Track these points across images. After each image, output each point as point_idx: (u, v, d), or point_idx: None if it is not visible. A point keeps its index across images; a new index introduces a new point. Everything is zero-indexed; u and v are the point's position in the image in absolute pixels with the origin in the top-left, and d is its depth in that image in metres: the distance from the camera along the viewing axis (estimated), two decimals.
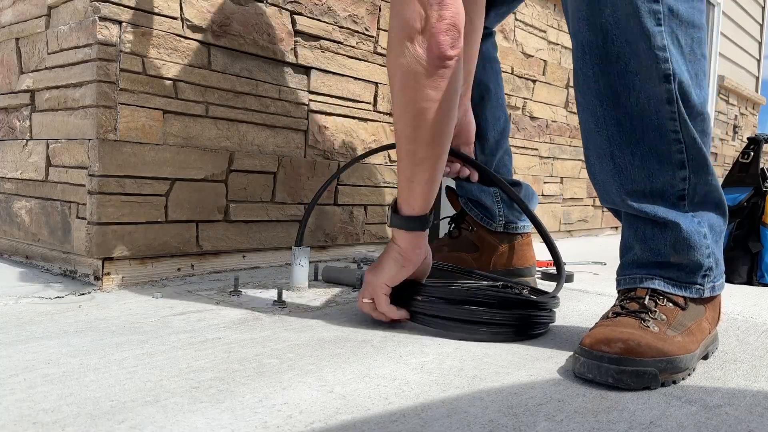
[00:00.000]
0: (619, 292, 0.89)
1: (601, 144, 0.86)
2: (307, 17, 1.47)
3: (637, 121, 0.83)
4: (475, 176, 1.20)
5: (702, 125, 0.84)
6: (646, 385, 0.72)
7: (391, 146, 1.15)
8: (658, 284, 0.84)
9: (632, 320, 0.79)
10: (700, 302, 0.86)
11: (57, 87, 1.22)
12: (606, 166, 0.87)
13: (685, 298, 0.85)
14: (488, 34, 1.30)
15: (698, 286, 0.86)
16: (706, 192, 0.86)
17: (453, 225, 1.37)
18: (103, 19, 1.12)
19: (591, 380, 0.74)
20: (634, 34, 0.80)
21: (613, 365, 0.72)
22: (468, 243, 1.33)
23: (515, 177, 1.46)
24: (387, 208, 1.74)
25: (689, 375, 0.78)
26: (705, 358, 0.86)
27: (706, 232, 0.86)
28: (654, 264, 0.86)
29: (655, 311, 0.81)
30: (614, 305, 0.85)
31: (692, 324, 0.82)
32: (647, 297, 0.83)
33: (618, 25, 0.80)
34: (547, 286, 1.43)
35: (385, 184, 1.74)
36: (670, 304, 0.83)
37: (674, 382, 0.75)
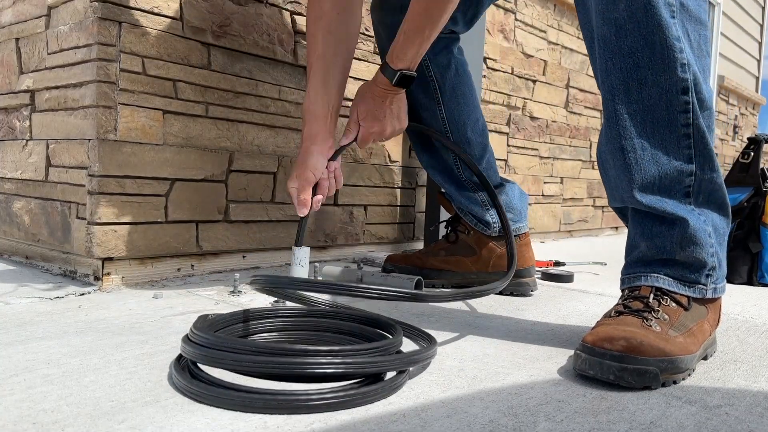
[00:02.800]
0: (623, 290, 0.89)
1: (613, 138, 0.87)
2: None
3: (647, 116, 0.84)
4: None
5: (709, 120, 0.86)
6: (647, 384, 0.72)
7: None
8: (662, 282, 0.85)
9: (635, 319, 0.79)
10: (702, 303, 0.87)
11: (57, 87, 1.22)
12: (617, 161, 0.88)
13: (688, 297, 0.85)
14: (455, 39, 1.31)
15: (701, 286, 0.86)
16: (711, 191, 0.87)
17: (449, 228, 1.37)
18: (103, 19, 1.12)
19: (592, 377, 0.74)
20: (649, 26, 0.81)
21: (615, 362, 0.72)
22: (466, 246, 1.33)
23: (511, 177, 1.46)
24: (387, 208, 1.74)
25: (689, 375, 0.78)
26: (704, 359, 0.86)
27: (711, 231, 0.87)
28: (659, 261, 0.86)
29: (658, 311, 0.81)
30: (617, 304, 0.85)
31: (694, 325, 0.82)
32: (651, 296, 0.83)
33: (632, 19, 0.82)
34: (547, 286, 1.43)
35: (385, 185, 1.74)
36: (674, 304, 0.83)
37: (674, 383, 0.75)
